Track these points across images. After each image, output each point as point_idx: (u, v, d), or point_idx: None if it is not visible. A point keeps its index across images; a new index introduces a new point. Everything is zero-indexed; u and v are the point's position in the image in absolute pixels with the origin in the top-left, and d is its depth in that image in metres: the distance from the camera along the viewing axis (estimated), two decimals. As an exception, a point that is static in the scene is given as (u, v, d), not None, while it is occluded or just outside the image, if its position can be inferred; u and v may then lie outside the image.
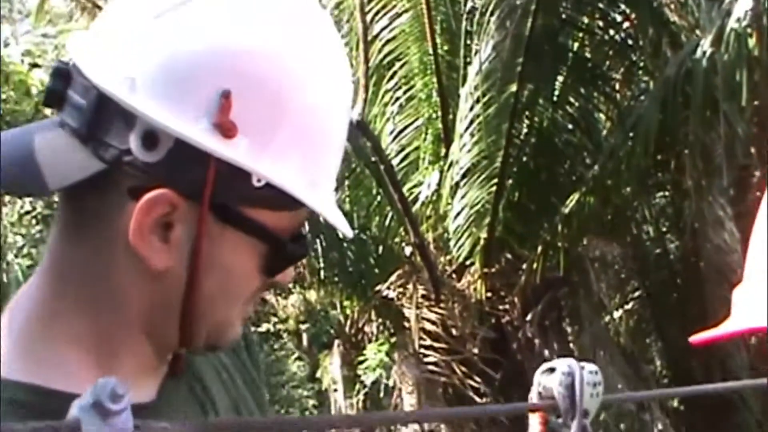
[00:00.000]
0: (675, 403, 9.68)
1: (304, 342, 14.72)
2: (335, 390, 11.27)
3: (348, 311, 9.74)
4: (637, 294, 9.47)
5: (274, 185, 0.96)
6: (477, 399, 7.42)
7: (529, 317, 7.61)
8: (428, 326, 7.73)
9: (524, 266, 7.54)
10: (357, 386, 10.57)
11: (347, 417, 1.97)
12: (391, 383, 9.19)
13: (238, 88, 0.93)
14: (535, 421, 1.33)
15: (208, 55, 0.94)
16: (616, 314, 9.69)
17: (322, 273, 8.16)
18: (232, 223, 0.97)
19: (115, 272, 0.97)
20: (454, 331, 7.69)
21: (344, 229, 1.05)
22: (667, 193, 8.36)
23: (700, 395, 9.32)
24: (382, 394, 10.85)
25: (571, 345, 8.30)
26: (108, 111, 0.94)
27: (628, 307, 9.55)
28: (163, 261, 0.96)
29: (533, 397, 1.32)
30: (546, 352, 7.87)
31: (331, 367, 11.49)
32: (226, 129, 0.92)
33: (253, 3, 0.97)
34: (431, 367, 7.68)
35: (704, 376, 9.17)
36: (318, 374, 13.43)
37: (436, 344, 7.68)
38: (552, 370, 1.33)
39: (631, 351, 9.30)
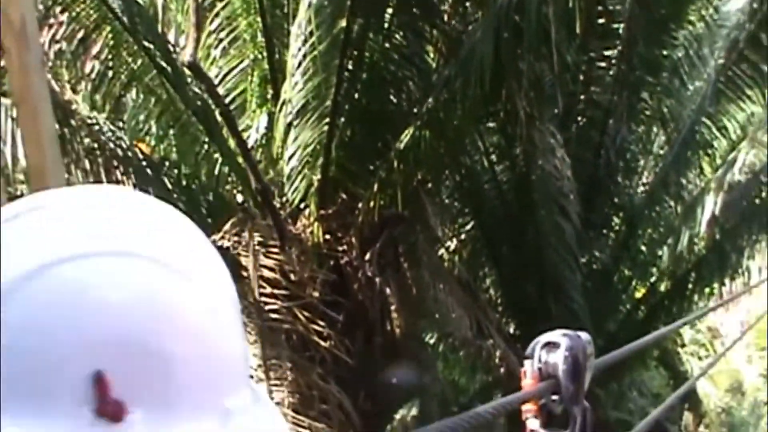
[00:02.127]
0: (512, 329, 9.92)
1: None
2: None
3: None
4: (470, 225, 9.57)
5: None
6: (321, 343, 7.35)
7: (367, 257, 7.55)
8: (267, 273, 7.55)
9: (360, 205, 7.46)
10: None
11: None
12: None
13: (109, 356, 0.65)
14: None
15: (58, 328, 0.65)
16: (451, 246, 9.78)
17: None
18: None
19: None
20: (293, 277, 7.55)
21: None
22: (498, 124, 8.43)
23: (533, 318, 9.59)
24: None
25: (410, 281, 8.32)
26: None
27: (462, 238, 9.64)
28: None
29: (530, 372, 1.20)
30: (387, 290, 7.88)
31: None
32: (113, 413, 0.65)
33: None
34: (273, 315, 7.53)
35: (539, 299, 9.43)
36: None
37: (276, 291, 7.52)
38: (552, 344, 1.22)
39: (467, 281, 9.41)
